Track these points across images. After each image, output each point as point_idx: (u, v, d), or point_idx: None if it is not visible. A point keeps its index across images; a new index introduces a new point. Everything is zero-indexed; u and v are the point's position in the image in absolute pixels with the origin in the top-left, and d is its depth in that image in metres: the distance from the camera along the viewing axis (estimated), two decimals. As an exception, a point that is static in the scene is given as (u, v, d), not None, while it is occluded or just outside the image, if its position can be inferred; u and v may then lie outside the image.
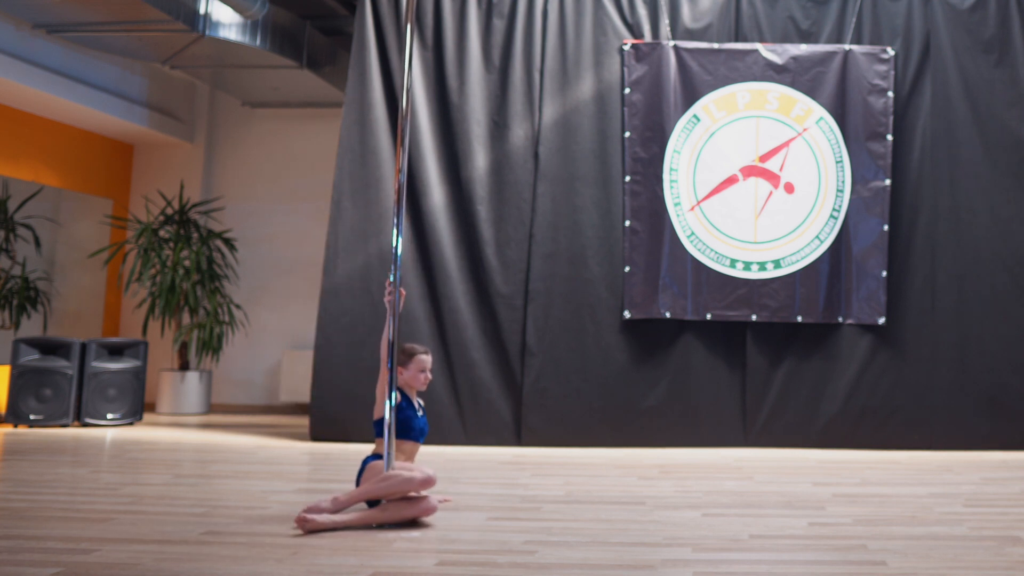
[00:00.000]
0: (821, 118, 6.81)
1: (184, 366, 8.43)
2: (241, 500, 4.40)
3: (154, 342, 8.50)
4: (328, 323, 6.63)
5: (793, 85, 6.83)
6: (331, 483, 4.93)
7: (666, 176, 6.76)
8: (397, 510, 3.87)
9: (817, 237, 6.74)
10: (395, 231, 4.16)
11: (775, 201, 6.78)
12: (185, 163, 9.16)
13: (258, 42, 7.37)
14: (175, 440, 6.67)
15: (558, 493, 4.74)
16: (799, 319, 6.69)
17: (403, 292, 4.09)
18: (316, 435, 6.61)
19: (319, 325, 6.65)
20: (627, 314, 6.66)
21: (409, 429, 4.10)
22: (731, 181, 6.80)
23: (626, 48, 6.84)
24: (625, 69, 6.82)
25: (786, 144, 6.82)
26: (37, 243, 7.86)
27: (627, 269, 6.70)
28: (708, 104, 6.83)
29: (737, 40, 6.91)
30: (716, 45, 6.86)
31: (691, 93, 6.84)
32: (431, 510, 3.94)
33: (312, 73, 8.05)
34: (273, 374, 8.98)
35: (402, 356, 4.14)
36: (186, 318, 8.66)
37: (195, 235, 8.58)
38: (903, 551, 3.51)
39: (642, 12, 6.92)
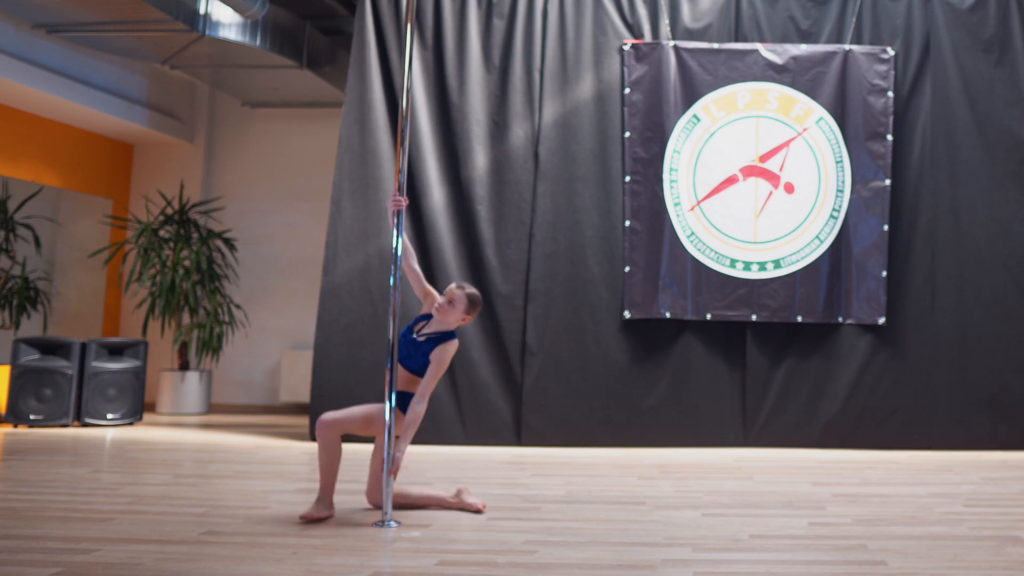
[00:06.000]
0: (821, 118, 6.81)
1: (184, 366, 8.43)
2: (241, 500, 4.41)
3: (154, 342, 8.51)
4: (328, 323, 6.63)
5: (793, 85, 6.82)
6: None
7: (666, 176, 6.76)
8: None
9: (817, 237, 6.74)
10: (395, 231, 4.18)
11: (775, 201, 6.78)
12: (185, 163, 9.16)
13: (258, 42, 7.37)
14: (175, 440, 6.66)
15: (558, 493, 4.74)
16: (799, 319, 6.68)
17: (405, 201, 4.27)
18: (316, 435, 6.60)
19: (319, 325, 6.65)
20: (627, 314, 6.66)
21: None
22: (731, 181, 6.80)
23: (626, 48, 6.84)
24: (625, 69, 6.82)
25: (786, 144, 6.81)
26: (37, 243, 7.86)
27: (627, 269, 6.70)
28: (708, 104, 6.83)
29: (737, 40, 6.91)
30: (716, 45, 6.86)
31: (691, 93, 6.84)
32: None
33: (312, 73, 8.05)
34: (273, 374, 8.98)
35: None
36: (186, 318, 8.66)
37: (195, 235, 8.58)
38: (903, 551, 3.51)
39: (642, 12, 6.92)
